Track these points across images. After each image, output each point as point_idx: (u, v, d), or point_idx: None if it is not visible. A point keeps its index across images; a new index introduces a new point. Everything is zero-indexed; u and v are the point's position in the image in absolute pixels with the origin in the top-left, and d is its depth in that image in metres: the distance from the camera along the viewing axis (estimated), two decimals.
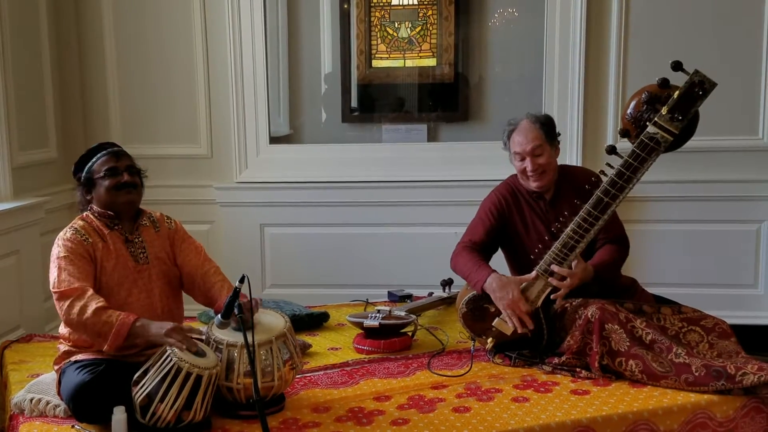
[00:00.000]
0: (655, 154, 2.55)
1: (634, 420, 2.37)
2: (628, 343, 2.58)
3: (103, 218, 2.53)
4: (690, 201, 3.99)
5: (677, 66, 2.46)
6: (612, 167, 2.60)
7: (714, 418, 2.43)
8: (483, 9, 4.40)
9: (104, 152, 2.55)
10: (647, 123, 2.55)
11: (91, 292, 2.34)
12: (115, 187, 2.51)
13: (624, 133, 2.63)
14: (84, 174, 2.55)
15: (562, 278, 2.69)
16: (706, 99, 2.49)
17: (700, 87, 2.47)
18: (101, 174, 2.51)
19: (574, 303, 2.76)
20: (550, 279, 2.70)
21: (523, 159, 2.86)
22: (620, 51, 3.92)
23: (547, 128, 2.88)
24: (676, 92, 2.50)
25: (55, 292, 2.37)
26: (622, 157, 2.59)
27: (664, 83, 2.53)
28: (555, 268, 2.69)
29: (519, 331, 2.72)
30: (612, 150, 2.61)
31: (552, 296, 2.72)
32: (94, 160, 2.55)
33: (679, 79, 2.51)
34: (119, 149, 2.60)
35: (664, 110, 2.51)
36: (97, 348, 2.37)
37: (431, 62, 4.45)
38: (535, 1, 4.12)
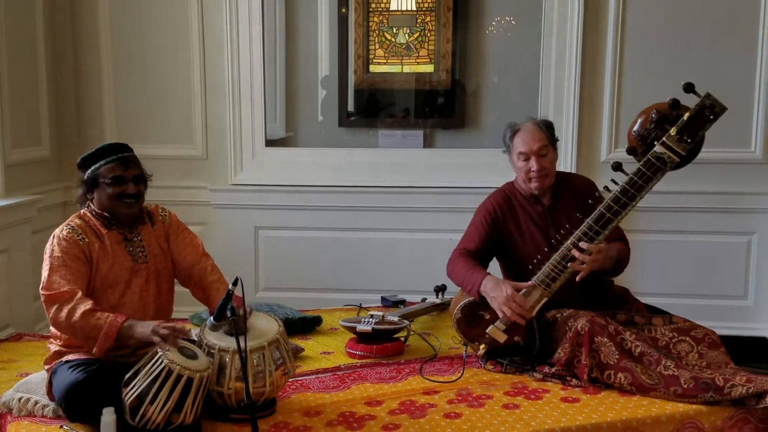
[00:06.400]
0: (660, 174, 2.55)
1: (623, 428, 2.38)
2: (617, 356, 2.58)
3: (101, 218, 2.51)
4: (682, 212, 4.00)
5: (689, 88, 2.45)
6: (616, 183, 2.60)
7: (702, 428, 2.44)
8: (481, 16, 4.41)
9: (114, 157, 2.47)
10: (654, 142, 2.54)
11: (80, 294, 2.31)
12: (118, 196, 2.45)
13: (631, 151, 2.62)
14: (89, 173, 2.48)
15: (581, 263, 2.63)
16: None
17: (710, 110, 2.46)
18: (107, 180, 2.45)
19: (564, 314, 2.76)
20: (574, 252, 2.61)
21: (527, 159, 2.86)
22: (616, 61, 3.93)
23: (550, 132, 2.92)
24: (686, 114, 2.49)
25: (43, 294, 2.34)
26: (627, 174, 2.58)
27: (675, 104, 2.52)
28: (584, 244, 2.61)
29: (520, 323, 2.69)
30: (618, 167, 2.59)
31: (578, 278, 2.64)
32: (102, 162, 2.46)
33: (688, 101, 2.50)
34: (130, 155, 2.51)
35: (672, 131, 2.50)
36: (87, 349, 2.36)
37: (428, 68, 4.46)
38: (532, 10, 4.14)
